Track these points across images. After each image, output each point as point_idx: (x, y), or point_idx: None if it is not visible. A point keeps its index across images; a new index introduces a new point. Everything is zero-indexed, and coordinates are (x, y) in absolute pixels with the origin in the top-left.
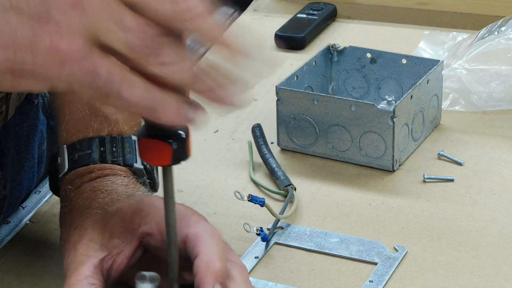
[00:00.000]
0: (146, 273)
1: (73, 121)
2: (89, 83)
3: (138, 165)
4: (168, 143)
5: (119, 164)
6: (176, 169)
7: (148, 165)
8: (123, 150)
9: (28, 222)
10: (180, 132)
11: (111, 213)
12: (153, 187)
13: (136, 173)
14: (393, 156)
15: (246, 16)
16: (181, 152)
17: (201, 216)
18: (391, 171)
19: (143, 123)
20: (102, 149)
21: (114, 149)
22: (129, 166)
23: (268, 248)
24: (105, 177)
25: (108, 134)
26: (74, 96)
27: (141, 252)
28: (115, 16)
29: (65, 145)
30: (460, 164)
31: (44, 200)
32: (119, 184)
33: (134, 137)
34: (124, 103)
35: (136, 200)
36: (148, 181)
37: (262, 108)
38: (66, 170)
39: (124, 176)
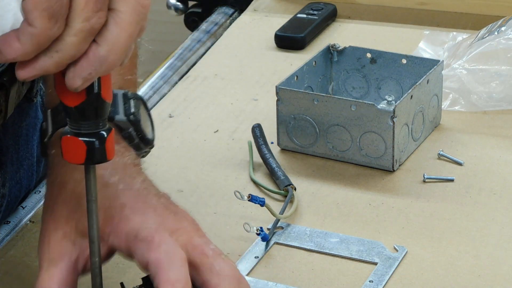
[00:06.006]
0: None
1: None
2: None
3: (120, 116)
4: (83, 140)
5: None
6: (176, 169)
7: (132, 116)
8: None
9: (28, 222)
10: (102, 132)
11: (81, 210)
12: (144, 140)
13: (120, 126)
14: (393, 156)
15: (246, 16)
16: (98, 152)
17: (164, 235)
18: (391, 171)
19: (68, 123)
20: None
21: None
22: (110, 120)
23: (268, 248)
24: None
25: None
26: None
27: (113, 252)
28: None
29: (49, 110)
30: (460, 164)
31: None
32: None
33: (116, 91)
34: None
35: (110, 197)
36: (135, 133)
37: (262, 108)
38: (50, 133)
39: None
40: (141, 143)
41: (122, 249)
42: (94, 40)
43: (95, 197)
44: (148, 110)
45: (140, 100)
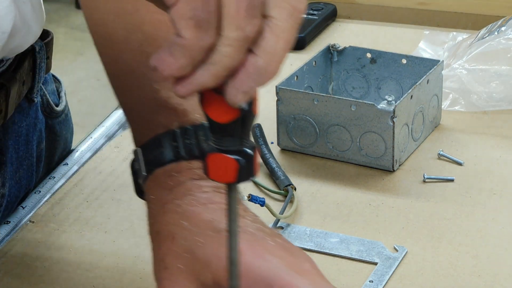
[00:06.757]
0: None
1: (141, 120)
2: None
3: None
4: (234, 158)
5: (196, 157)
6: None
7: None
8: (198, 140)
9: (28, 222)
10: (246, 149)
11: (200, 262)
12: None
13: None
14: (393, 156)
15: None
16: (247, 169)
17: (302, 281)
18: (391, 171)
19: (209, 138)
20: (174, 144)
21: (188, 141)
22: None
23: None
24: (186, 191)
25: (179, 126)
26: (137, 91)
27: None
28: None
29: (139, 148)
30: (460, 164)
31: (44, 200)
32: (201, 202)
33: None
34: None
35: (225, 244)
36: None
37: (262, 108)
38: (145, 173)
39: (204, 180)
40: None
41: None
42: (250, 51)
43: (237, 216)
44: None
45: None
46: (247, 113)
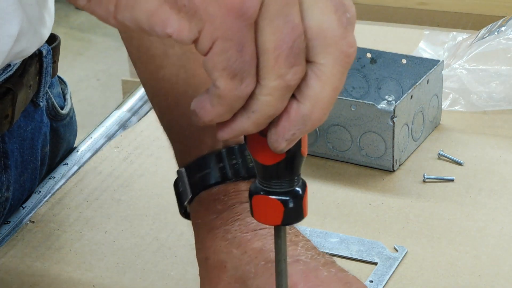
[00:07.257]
0: None
1: (184, 140)
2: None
3: None
4: (280, 200)
5: (243, 178)
6: (177, 168)
7: None
8: (244, 158)
9: (28, 222)
10: (294, 189)
11: None
12: None
13: None
14: (393, 156)
15: None
16: (294, 211)
17: None
18: (391, 171)
19: (257, 179)
20: (221, 164)
21: (234, 161)
22: (254, 176)
23: None
24: (235, 216)
25: (224, 146)
26: (179, 108)
27: None
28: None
29: (183, 169)
30: (460, 164)
31: (44, 200)
32: (250, 228)
33: None
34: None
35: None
36: None
37: None
38: (190, 196)
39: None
40: None
41: None
42: (294, 96)
43: (286, 256)
44: None
45: None
46: (294, 154)
